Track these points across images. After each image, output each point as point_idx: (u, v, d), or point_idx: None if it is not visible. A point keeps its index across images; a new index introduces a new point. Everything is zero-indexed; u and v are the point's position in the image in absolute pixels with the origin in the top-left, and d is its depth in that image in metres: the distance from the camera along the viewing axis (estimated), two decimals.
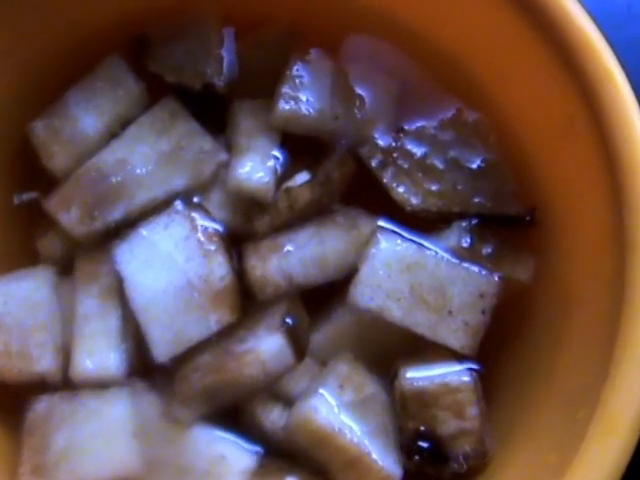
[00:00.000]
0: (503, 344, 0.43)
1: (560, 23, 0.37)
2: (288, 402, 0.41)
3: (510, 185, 0.43)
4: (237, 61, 0.44)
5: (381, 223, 0.42)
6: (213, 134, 0.43)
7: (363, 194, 0.43)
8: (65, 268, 0.43)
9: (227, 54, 0.43)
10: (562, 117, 0.39)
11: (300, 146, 0.43)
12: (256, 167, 0.42)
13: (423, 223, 0.42)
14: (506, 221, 0.43)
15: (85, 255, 0.42)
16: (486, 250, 0.42)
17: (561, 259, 0.41)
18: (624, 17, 0.51)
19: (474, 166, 0.43)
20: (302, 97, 0.42)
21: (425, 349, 0.41)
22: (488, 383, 0.41)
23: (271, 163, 0.42)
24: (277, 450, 0.41)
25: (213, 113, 0.44)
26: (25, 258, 0.43)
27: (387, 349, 0.42)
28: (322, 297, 0.43)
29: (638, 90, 0.37)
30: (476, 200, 0.42)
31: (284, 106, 0.42)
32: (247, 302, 0.41)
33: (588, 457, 0.33)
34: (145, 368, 0.41)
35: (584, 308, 0.39)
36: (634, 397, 0.33)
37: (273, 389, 0.41)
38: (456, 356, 0.41)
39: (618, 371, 0.34)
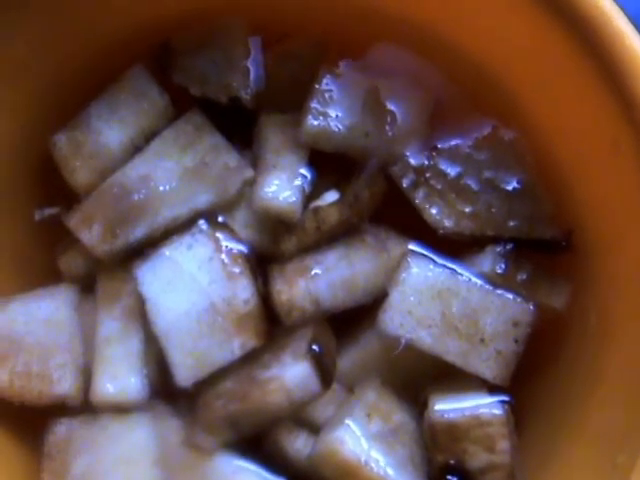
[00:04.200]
0: (536, 374, 0.41)
1: (608, 43, 0.35)
2: (313, 430, 0.40)
3: (546, 208, 0.41)
4: (264, 73, 0.42)
5: (412, 246, 0.40)
6: (239, 149, 0.42)
7: (393, 214, 0.41)
8: (87, 286, 0.42)
9: (254, 66, 0.42)
10: (605, 139, 0.37)
11: (329, 163, 0.42)
12: (283, 186, 0.40)
13: (455, 246, 0.41)
14: (541, 246, 0.41)
15: (107, 274, 0.41)
16: (521, 276, 0.40)
17: (600, 288, 0.39)
18: None
19: (510, 188, 0.41)
20: (331, 113, 0.41)
21: (455, 377, 0.40)
22: (520, 414, 0.40)
23: (299, 181, 0.41)
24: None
25: (239, 127, 0.42)
26: (47, 276, 0.42)
27: (416, 376, 0.41)
28: (350, 320, 0.42)
29: None
30: (511, 223, 0.41)
31: (313, 122, 0.41)
32: (272, 326, 0.40)
33: None
34: (167, 392, 0.40)
35: (625, 343, 0.37)
36: None
37: (298, 416, 0.40)
38: (487, 386, 0.39)
39: None
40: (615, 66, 0.35)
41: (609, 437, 0.36)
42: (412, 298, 0.39)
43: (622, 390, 0.36)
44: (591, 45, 0.36)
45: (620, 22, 0.35)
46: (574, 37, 0.36)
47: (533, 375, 0.41)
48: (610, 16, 0.35)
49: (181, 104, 0.42)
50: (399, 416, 0.40)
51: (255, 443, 0.40)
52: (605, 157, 0.38)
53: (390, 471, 0.38)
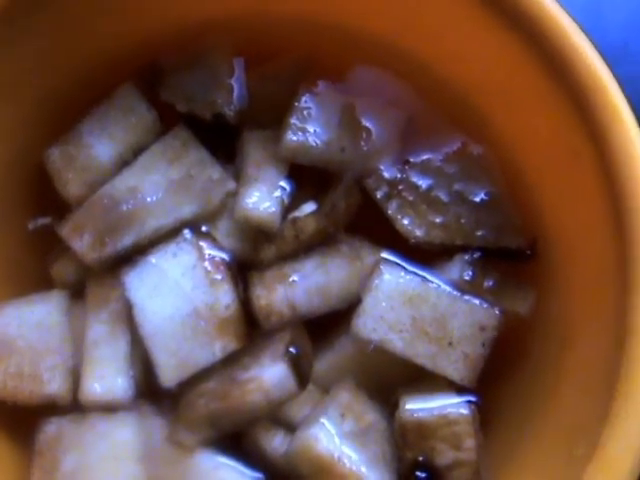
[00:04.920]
0: (502, 377, 0.43)
1: (569, 59, 0.37)
2: (290, 429, 0.42)
3: (513, 219, 0.43)
4: (247, 91, 0.45)
5: (385, 255, 0.42)
6: (223, 163, 0.44)
7: (368, 225, 0.44)
8: (77, 292, 0.44)
9: (237, 84, 0.44)
10: (567, 152, 0.39)
11: (308, 177, 0.44)
12: (263, 197, 0.43)
13: (426, 255, 0.43)
14: (508, 254, 0.43)
15: (96, 280, 0.43)
16: (487, 283, 0.43)
17: (561, 294, 0.42)
18: (620, 54, 0.51)
19: (478, 199, 0.43)
20: (310, 129, 0.43)
21: (425, 379, 0.42)
22: (487, 414, 0.42)
23: (278, 193, 0.43)
24: (279, 476, 0.42)
25: (224, 142, 0.45)
26: (39, 282, 0.44)
27: (389, 378, 0.43)
28: (327, 325, 0.44)
29: None
30: (479, 233, 0.43)
31: (292, 137, 0.43)
32: (252, 330, 0.42)
33: None
34: (153, 392, 0.42)
35: (583, 345, 0.39)
36: (634, 442, 0.34)
37: (276, 415, 0.42)
38: (455, 387, 0.41)
39: (618, 414, 0.34)
40: (575, 82, 0.37)
41: (568, 432, 0.38)
42: (384, 304, 0.41)
43: (579, 389, 0.38)
44: (550, 61, 0.38)
45: (577, 38, 0.37)
46: (535, 54, 0.39)
47: (500, 377, 0.43)
48: (568, 32, 0.37)
49: (168, 120, 0.45)
50: (371, 416, 0.42)
51: (235, 441, 0.42)
52: (566, 170, 0.40)
53: (362, 467, 0.40)
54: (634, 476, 0.33)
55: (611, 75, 0.37)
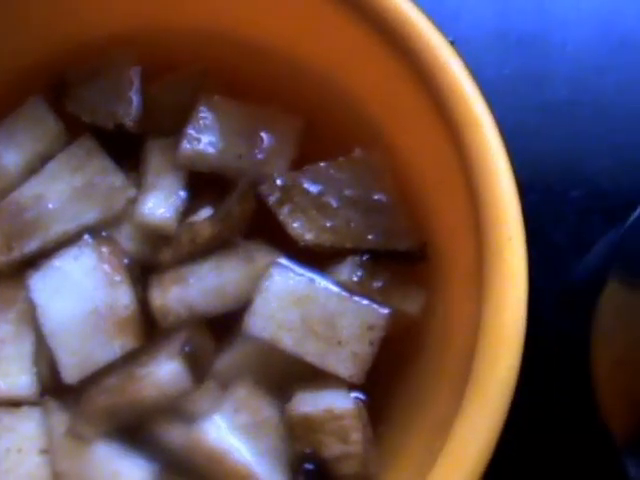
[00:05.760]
0: (394, 375, 0.45)
1: (433, 72, 0.39)
2: (189, 422, 0.44)
3: (402, 222, 0.45)
4: (150, 101, 0.47)
5: (277, 258, 0.44)
6: (127, 171, 0.46)
7: (264, 229, 0.46)
8: None
9: (136, 96, 0.46)
10: (439, 164, 0.42)
11: (207, 183, 0.46)
12: (159, 203, 0.45)
13: (319, 258, 0.45)
14: (398, 256, 0.45)
15: (3, 283, 0.46)
16: (377, 284, 0.45)
17: (444, 295, 0.44)
18: None
19: (368, 204, 0.45)
20: (205, 138, 0.45)
21: (319, 378, 0.44)
22: (379, 411, 0.44)
23: (174, 199, 0.45)
24: (177, 467, 0.44)
25: (129, 151, 0.47)
26: None
27: (286, 376, 0.45)
28: (229, 325, 0.46)
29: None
30: (369, 237, 0.45)
31: (187, 146, 0.45)
32: (151, 329, 0.45)
33: None
34: (57, 389, 0.44)
35: (456, 345, 0.41)
36: (480, 431, 0.35)
37: (175, 410, 0.44)
38: (347, 385, 0.43)
39: (468, 406, 0.36)
40: (440, 93, 0.39)
41: (433, 429, 0.39)
42: (274, 304, 0.43)
43: (446, 387, 0.40)
44: (420, 72, 0.40)
45: (444, 52, 0.40)
46: (407, 64, 0.41)
47: (392, 375, 0.45)
48: (434, 47, 0.39)
49: (76, 131, 0.47)
50: (266, 412, 0.44)
51: (136, 434, 0.44)
52: (439, 181, 0.42)
53: (252, 459, 0.42)
54: (481, 465, 0.35)
55: (473, 84, 0.39)
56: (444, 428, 0.37)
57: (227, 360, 0.45)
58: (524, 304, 0.35)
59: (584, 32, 0.59)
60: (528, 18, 0.59)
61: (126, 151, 0.47)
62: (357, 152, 0.46)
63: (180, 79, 0.48)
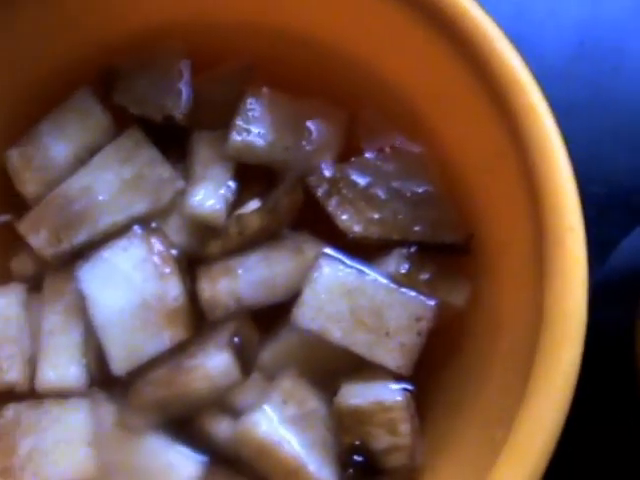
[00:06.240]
0: (440, 366, 0.45)
1: (489, 60, 0.39)
2: (236, 415, 0.44)
3: (449, 214, 0.45)
4: (197, 94, 0.47)
5: (325, 249, 0.44)
6: (174, 163, 0.46)
7: (311, 221, 0.46)
8: (35, 286, 0.46)
9: (186, 88, 0.46)
10: (494, 153, 0.41)
11: (254, 176, 0.46)
12: (209, 195, 0.45)
13: (365, 250, 0.45)
14: (444, 248, 0.45)
15: (53, 274, 0.46)
16: (423, 276, 0.45)
17: (492, 286, 0.43)
18: None
19: (415, 196, 0.45)
20: (254, 129, 0.45)
21: (366, 369, 0.44)
22: (425, 402, 0.44)
23: (223, 191, 0.45)
24: (224, 459, 0.44)
25: (175, 143, 0.47)
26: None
27: (331, 368, 0.45)
28: (275, 317, 0.46)
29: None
30: (416, 228, 0.45)
31: (237, 137, 0.45)
32: (200, 321, 0.45)
33: (498, 477, 0.36)
34: (105, 380, 0.45)
35: (509, 334, 0.41)
36: (546, 423, 0.35)
37: (223, 402, 0.44)
38: (393, 376, 0.43)
39: (533, 397, 0.36)
40: (495, 82, 0.39)
41: (492, 419, 0.39)
42: (323, 296, 0.43)
43: (504, 377, 0.40)
44: (476, 63, 0.40)
45: (500, 43, 0.39)
46: (463, 55, 0.41)
47: (438, 366, 0.45)
48: (492, 38, 0.39)
49: (123, 122, 0.47)
50: (313, 403, 0.44)
51: (184, 426, 0.44)
52: (495, 169, 0.42)
53: (302, 451, 0.42)
54: (545, 456, 0.35)
55: (531, 75, 0.39)
56: (504, 419, 0.37)
57: (272, 352, 0.45)
58: (586, 294, 0.35)
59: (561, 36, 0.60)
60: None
61: (171, 143, 0.47)
62: (403, 144, 0.46)
63: (226, 72, 0.48)
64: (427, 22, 0.41)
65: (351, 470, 0.43)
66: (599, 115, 0.58)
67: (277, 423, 0.42)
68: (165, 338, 0.44)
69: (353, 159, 0.46)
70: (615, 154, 0.58)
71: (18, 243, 0.46)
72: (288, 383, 0.44)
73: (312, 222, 0.46)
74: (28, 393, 0.44)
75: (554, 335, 0.36)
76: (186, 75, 0.46)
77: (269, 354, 0.45)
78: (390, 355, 0.43)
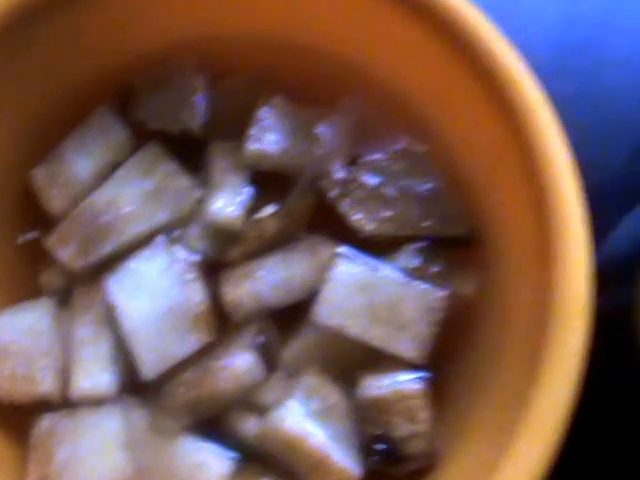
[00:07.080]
0: (454, 353, 0.47)
1: (488, 60, 0.42)
2: (262, 412, 0.46)
3: (456, 209, 0.47)
4: (212, 106, 0.49)
5: (340, 249, 0.46)
6: (192, 173, 0.48)
7: (325, 222, 0.48)
8: (64, 299, 0.48)
9: (201, 101, 0.49)
10: (495, 150, 0.44)
11: (269, 181, 0.48)
12: (228, 202, 0.47)
13: (378, 247, 0.47)
14: (452, 242, 0.47)
15: (81, 287, 0.48)
16: (434, 269, 0.46)
17: (499, 277, 0.45)
18: None
19: (423, 193, 0.47)
20: (268, 138, 0.48)
21: (384, 361, 0.46)
22: (441, 389, 0.46)
23: (241, 198, 0.47)
24: (253, 455, 0.45)
25: (193, 154, 0.49)
26: (29, 291, 0.48)
27: (350, 361, 0.47)
28: (293, 316, 0.48)
29: None
30: (425, 224, 0.47)
31: (252, 146, 0.47)
32: (223, 323, 0.46)
33: (517, 453, 0.38)
34: (136, 386, 0.46)
35: (519, 317, 0.43)
36: (559, 400, 0.37)
37: (249, 401, 0.46)
38: (410, 366, 0.45)
39: (545, 377, 0.38)
40: (495, 81, 0.42)
41: (507, 400, 0.41)
42: (340, 293, 0.45)
43: (517, 360, 0.42)
44: (476, 63, 0.42)
45: (500, 43, 0.42)
46: (463, 57, 0.43)
47: (452, 355, 0.47)
48: (491, 38, 0.42)
49: (142, 136, 0.49)
50: (335, 397, 0.46)
51: (213, 426, 0.46)
52: (496, 165, 0.44)
53: (328, 443, 0.44)
54: (559, 432, 0.37)
55: (530, 73, 0.41)
56: (517, 400, 0.39)
57: (293, 350, 0.47)
58: (591, 275, 0.37)
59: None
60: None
61: (189, 155, 0.49)
62: (409, 144, 0.48)
63: (238, 84, 0.50)
64: (425, 24, 0.44)
65: (375, 458, 0.44)
66: (587, 109, 0.60)
67: (302, 417, 0.44)
68: (192, 341, 0.45)
69: (362, 161, 0.48)
70: (605, 146, 0.60)
71: (46, 258, 0.48)
72: (310, 379, 0.46)
73: (324, 224, 0.48)
74: (62, 403, 0.46)
75: (561, 317, 0.38)
76: (200, 88, 0.49)
77: (291, 352, 0.47)
78: (406, 346, 0.45)
